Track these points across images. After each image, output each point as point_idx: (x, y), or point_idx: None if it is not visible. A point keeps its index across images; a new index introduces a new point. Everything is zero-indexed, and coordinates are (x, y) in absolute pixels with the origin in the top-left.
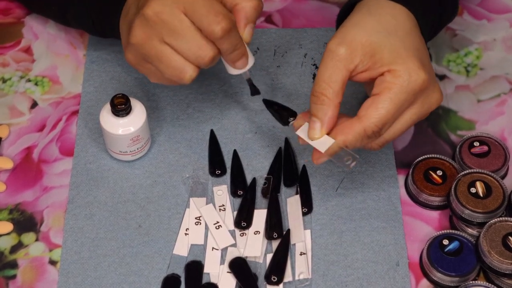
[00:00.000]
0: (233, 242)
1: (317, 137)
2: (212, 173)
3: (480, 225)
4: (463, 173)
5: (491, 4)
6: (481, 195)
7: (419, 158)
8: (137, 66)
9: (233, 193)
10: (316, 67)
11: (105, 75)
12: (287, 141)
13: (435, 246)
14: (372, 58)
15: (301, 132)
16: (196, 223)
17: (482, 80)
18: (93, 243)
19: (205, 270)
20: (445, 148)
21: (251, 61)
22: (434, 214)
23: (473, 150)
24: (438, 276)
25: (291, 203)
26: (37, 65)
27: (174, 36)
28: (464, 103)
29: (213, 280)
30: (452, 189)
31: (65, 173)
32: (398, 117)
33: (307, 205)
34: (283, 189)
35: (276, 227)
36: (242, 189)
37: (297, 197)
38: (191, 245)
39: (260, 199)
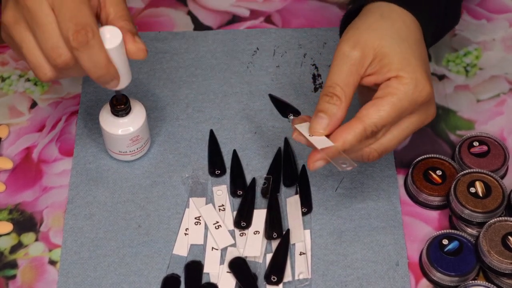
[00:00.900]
0: (233, 242)
1: (320, 133)
2: (212, 173)
3: (480, 225)
4: (462, 173)
5: (491, 4)
6: (481, 195)
7: (419, 158)
8: (10, 45)
9: (233, 193)
10: (316, 67)
11: None
12: (286, 141)
13: (434, 246)
14: (381, 62)
15: (300, 128)
16: (196, 223)
17: (481, 80)
18: (92, 243)
19: (205, 270)
20: (444, 148)
21: (128, 80)
22: (434, 214)
23: (472, 150)
24: (438, 276)
25: (291, 203)
26: None
27: (36, 27)
28: (463, 103)
29: (213, 280)
30: (452, 189)
31: (65, 173)
32: (395, 123)
33: (306, 205)
34: (283, 189)
35: (275, 227)
36: (241, 189)
37: (297, 197)
38: (191, 245)
39: (260, 199)
